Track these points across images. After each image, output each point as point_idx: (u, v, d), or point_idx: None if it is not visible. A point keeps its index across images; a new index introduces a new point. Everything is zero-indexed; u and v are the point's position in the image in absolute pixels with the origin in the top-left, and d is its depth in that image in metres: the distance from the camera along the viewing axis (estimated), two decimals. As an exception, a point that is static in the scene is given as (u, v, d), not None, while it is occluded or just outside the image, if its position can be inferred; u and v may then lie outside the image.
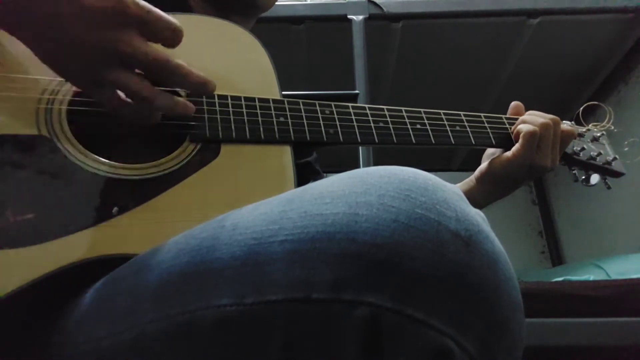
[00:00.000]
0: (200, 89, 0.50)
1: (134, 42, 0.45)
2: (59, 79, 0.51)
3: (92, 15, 0.43)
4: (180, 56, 0.58)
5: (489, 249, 0.32)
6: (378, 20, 1.42)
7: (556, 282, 1.13)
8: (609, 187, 0.78)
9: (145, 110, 0.50)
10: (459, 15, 1.44)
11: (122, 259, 0.42)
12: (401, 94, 1.76)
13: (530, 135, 0.68)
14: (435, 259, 0.30)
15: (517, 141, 0.69)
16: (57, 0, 0.43)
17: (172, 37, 0.48)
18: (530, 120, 0.70)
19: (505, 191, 0.74)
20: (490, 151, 0.76)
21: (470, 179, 0.75)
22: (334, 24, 1.42)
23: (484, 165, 0.73)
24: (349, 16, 1.39)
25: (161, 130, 0.53)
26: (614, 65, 1.65)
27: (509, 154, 0.70)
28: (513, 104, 0.77)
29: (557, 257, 2.08)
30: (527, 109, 0.75)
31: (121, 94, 0.48)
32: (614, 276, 1.14)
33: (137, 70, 0.47)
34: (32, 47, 0.46)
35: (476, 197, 0.72)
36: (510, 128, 0.72)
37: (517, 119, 0.74)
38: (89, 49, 0.44)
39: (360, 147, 1.18)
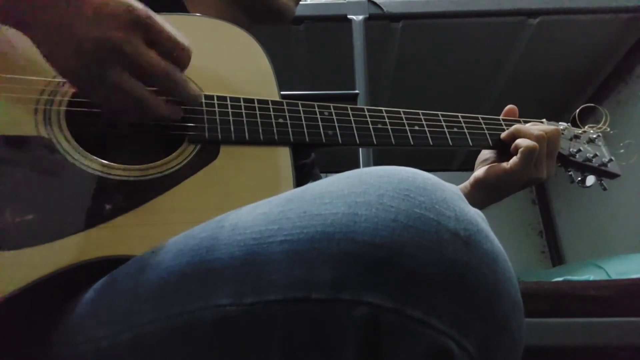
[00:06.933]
0: (193, 102, 0.53)
1: (139, 47, 0.46)
2: (58, 79, 0.51)
3: (102, 14, 0.44)
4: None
5: (488, 249, 0.32)
6: (378, 20, 1.42)
7: (556, 282, 1.13)
8: (604, 189, 0.79)
9: (141, 116, 0.50)
10: (459, 15, 1.44)
11: (121, 260, 0.42)
12: (401, 94, 1.76)
13: (530, 151, 0.67)
14: (434, 258, 0.30)
15: (514, 154, 0.69)
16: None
17: (180, 56, 0.49)
18: (527, 133, 0.69)
19: (498, 198, 0.74)
20: (482, 157, 0.76)
21: (465, 184, 0.75)
22: (334, 24, 1.41)
23: (479, 172, 0.73)
24: (349, 16, 1.39)
25: (160, 131, 0.53)
26: (614, 65, 1.65)
27: (506, 165, 0.69)
28: (507, 108, 0.76)
29: (557, 257, 2.07)
30: (527, 109, 0.75)
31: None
32: (614, 276, 1.14)
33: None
34: (37, 43, 0.46)
35: (470, 202, 0.72)
36: (507, 130, 0.72)
37: (513, 121, 0.74)
38: (93, 45, 0.44)
39: (360, 148, 1.18)
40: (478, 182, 0.73)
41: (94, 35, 0.44)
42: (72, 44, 0.45)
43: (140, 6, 0.46)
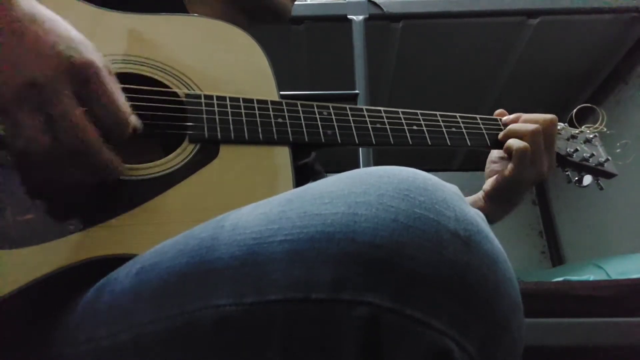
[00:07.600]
0: (110, 175, 0.44)
1: (59, 95, 0.39)
2: None
3: (34, 50, 0.38)
4: (179, 57, 0.58)
5: (488, 249, 0.32)
6: (378, 20, 1.42)
7: (556, 282, 1.13)
8: (601, 188, 0.79)
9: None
10: (459, 15, 1.44)
11: (122, 259, 0.43)
12: (401, 94, 1.76)
13: (522, 152, 0.68)
14: (434, 258, 0.30)
15: (508, 155, 0.69)
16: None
17: (113, 128, 0.42)
18: (522, 132, 0.70)
19: (513, 204, 0.74)
20: (490, 167, 0.76)
21: (479, 203, 0.75)
22: (334, 24, 1.41)
23: (486, 186, 0.74)
24: (349, 16, 1.39)
25: (159, 130, 0.53)
26: (614, 65, 1.65)
27: (505, 172, 0.70)
28: (497, 112, 0.76)
29: (557, 257, 2.07)
30: (527, 109, 0.75)
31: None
32: (614, 276, 1.14)
33: None
34: None
35: (488, 216, 0.72)
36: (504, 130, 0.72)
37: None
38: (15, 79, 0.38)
39: (359, 148, 1.18)
40: (488, 196, 0.74)
41: (22, 70, 0.38)
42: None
43: (87, 54, 0.40)
